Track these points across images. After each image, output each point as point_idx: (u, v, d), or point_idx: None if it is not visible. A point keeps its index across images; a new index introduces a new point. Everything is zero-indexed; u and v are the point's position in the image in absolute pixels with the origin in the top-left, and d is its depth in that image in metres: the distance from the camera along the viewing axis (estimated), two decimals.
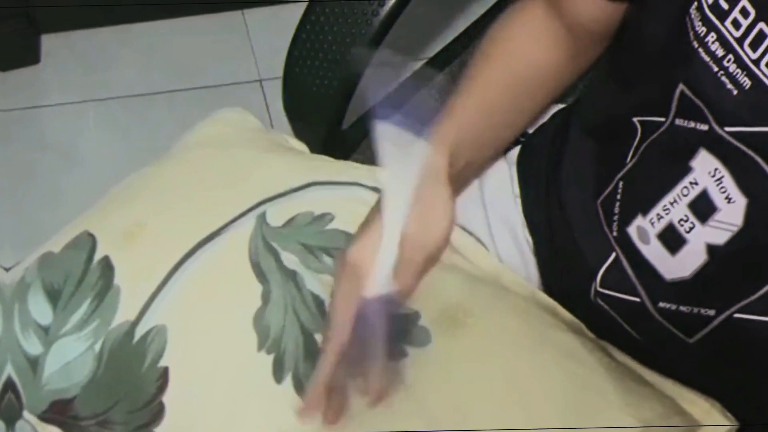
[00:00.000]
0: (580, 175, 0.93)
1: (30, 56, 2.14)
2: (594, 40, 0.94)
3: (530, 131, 1.06)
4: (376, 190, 0.95)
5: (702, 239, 0.80)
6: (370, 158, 1.06)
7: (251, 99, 2.08)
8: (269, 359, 0.83)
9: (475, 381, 0.84)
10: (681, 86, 0.78)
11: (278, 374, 0.83)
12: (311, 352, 0.83)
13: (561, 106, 1.07)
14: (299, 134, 1.15)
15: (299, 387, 0.82)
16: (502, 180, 1.03)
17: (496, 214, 1.01)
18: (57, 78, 2.14)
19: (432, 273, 0.89)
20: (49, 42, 2.18)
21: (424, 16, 2.04)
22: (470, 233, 0.97)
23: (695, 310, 0.82)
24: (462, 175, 0.89)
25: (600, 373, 0.86)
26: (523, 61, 0.92)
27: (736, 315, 0.80)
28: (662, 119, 0.81)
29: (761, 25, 0.72)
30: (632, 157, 0.85)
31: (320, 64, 1.12)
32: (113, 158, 1.98)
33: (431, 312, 0.86)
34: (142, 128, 2.03)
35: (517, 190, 1.02)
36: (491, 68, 0.92)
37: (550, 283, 0.98)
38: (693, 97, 0.77)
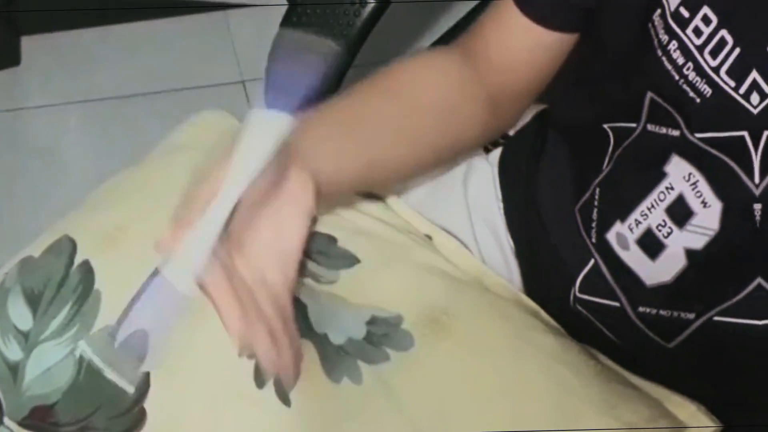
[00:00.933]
0: (557, 181, 0.93)
1: (10, 58, 2.14)
2: (515, 92, 0.94)
3: (511, 133, 1.06)
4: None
5: (680, 244, 0.80)
6: None
7: (234, 100, 2.08)
8: (251, 365, 0.83)
9: (458, 384, 0.84)
10: (650, 93, 0.78)
11: (260, 380, 0.82)
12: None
13: (543, 107, 1.07)
14: None
15: (281, 393, 0.82)
16: (486, 182, 1.03)
17: (479, 216, 1.01)
18: (38, 80, 2.14)
19: (414, 275, 0.90)
20: (29, 44, 2.17)
21: (406, 17, 2.04)
22: (453, 235, 0.97)
23: (675, 314, 0.83)
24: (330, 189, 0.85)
25: (584, 376, 0.86)
26: (412, 92, 0.91)
27: (716, 318, 0.80)
28: (633, 125, 0.81)
29: (723, 32, 0.73)
30: (608, 163, 0.85)
31: None
32: (95, 161, 1.98)
33: (414, 315, 0.86)
34: (123, 130, 2.03)
35: (500, 193, 1.02)
36: (371, 89, 0.91)
37: (532, 288, 0.98)
38: (663, 103, 0.77)
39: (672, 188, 0.80)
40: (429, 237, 0.95)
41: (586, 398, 0.84)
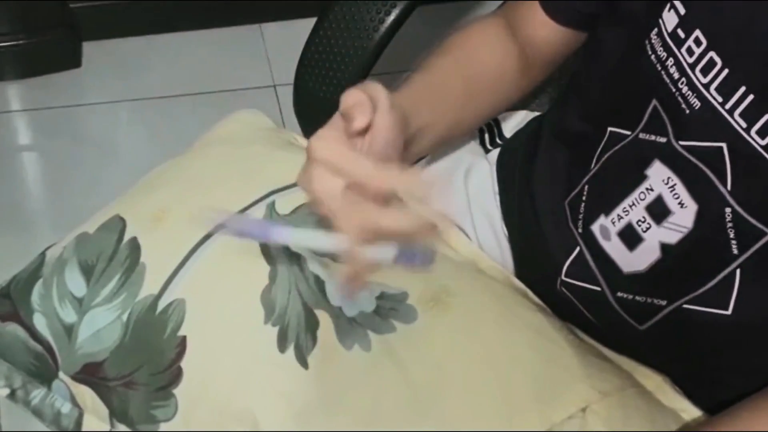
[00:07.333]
0: (550, 178, 0.93)
1: (72, 61, 2.15)
2: (544, 62, 0.94)
3: (508, 136, 1.06)
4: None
5: (657, 238, 0.80)
6: None
7: (266, 102, 2.08)
8: (274, 331, 0.83)
9: (454, 353, 0.84)
10: (654, 102, 0.78)
11: (282, 345, 0.83)
12: (311, 326, 0.83)
13: (536, 114, 1.07)
14: (308, 134, 1.15)
15: (300, 356, 0.82)
16: (485, 178, 1.03)
17: (478, 208, 1.01)
18: (95, 80, 2.15)
19: None
20: (89, 49, 2.18)
21: (424, 32, 2.04)
22: (454, 224, 0.97)
23: (649, 300, 0.82)
24: (414, 140, 0.85)
25: (565, 348, 0.85)
26: (475, 60, 0.92)
27: (685, 306, 0.80)
28: (628, 132, 0.81)
29: (712, 53, 0.72)
30: (595, 163, 0.85)
31: (327, 72, 1.11)
32: (143, 151, 1.99)
33: (418, 292, 0.86)
34: (168, 126, 2.03)
35: (497, 188, 1.01)
36: (446, 59, 0.91)
37: (523, 271, 0.98)
38: (662, 112, 0.77)
39: (652, 189, 0.79)
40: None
41: (565, 368, 0.84)
